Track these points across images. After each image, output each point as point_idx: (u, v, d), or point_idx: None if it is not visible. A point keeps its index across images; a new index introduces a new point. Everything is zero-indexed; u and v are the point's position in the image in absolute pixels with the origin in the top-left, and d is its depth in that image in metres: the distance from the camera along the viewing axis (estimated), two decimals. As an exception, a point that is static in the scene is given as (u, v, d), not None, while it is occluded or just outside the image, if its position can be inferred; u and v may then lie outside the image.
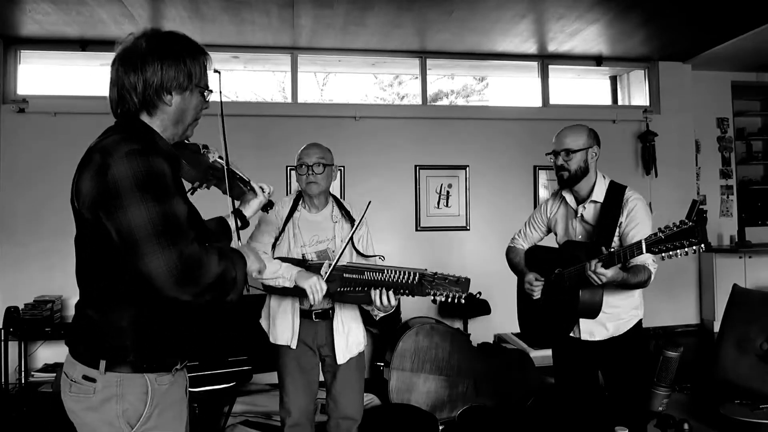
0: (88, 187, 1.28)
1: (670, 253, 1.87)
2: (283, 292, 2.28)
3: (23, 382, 4.37)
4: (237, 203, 1.78)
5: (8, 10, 4.21)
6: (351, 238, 2.31)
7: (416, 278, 2.07)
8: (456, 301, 2.02)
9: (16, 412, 3.82)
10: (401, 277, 2.10)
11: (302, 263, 2.28)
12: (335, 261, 2.18)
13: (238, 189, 1.68)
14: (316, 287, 2.12)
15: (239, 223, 1.74)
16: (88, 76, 5.31)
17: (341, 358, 2.37)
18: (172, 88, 1.39)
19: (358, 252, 2.41)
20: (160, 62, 1.36)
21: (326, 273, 2.18)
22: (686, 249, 1.83)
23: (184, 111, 1.44)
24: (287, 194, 4.97)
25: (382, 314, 2.24)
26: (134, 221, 1.22)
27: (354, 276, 2.16)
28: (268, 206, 1.82)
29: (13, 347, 4.41)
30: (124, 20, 4.36)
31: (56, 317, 4.46)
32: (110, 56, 1.44)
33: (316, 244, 2.39)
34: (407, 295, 2.12)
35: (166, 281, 1.22)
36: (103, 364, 1.34)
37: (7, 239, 4.70)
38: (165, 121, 1.42)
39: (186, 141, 1.57)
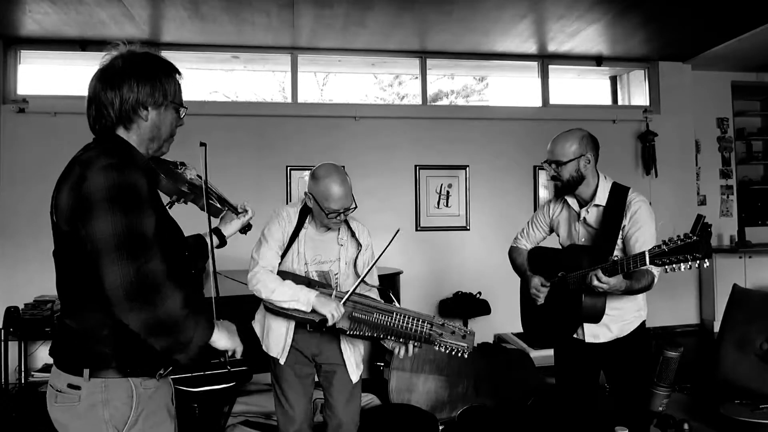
0: (66, 200, 1.32)
1: (674, 266, 1.88)
2: (282, 314, 2.21)
3: (23, 382, 4.37)
4: (217, 222, 1.82)
5: (8, 10, 4.21)
6: (363, 276, 2.26)
7: (425, 329, 2.09)
8: (460, 355, 2.08)
9: (16, 412, 3.82)
10: (410, 326, 2.10)
11: (308, 285, 2.20)
12: (346, 297, 2.14)
13: (215, 207, 1.71)
14: (337, 312, 2.09)
15: (217, 242, 1.76)
16: (88, 76, 5.28)
17: (355, 377, 2.37)
18: (148, 104, 1.43)
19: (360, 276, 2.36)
20: (137, 80, 1.42)
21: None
22: (690, 263, 1.85)
23: (159, 126, 1.48)
24: (287, 196, 5.06)
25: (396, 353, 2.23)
26: (99, 233, 1.24)
27: (363, 317, 2.14)
28: (247, 228, 1.83)
29: (13, 347, 4.41)
30: (124, 20, 4.36)
31: (56, 317, 4.46)
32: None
33: (318, 264, 2.31)
34: (414, 346, 2.16)
35: (117, 293, 1.23)
36: (86, 372, 1.35)
37: (8, 239, 4.70)
38: (141, 135, 1.46)
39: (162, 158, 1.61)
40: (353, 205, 2.24)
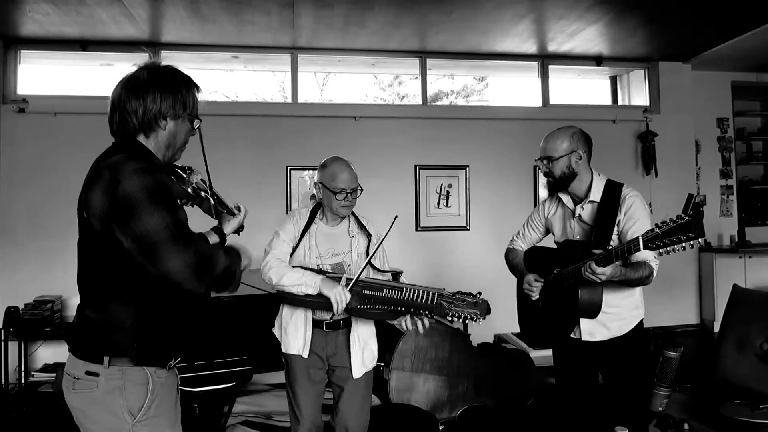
0: (99, 201, 1.40)
1: (668, 248, 1.85)
2: (298, 303, 2.28)
3: (23, 382, 4.37)
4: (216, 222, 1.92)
5: (8, 10, 4.21)
6: (369, 258, 2.31)
7: (435, 299, 2.10)
8: (474, 322, 2.08)
9: (16, 412, 3.81)
10: (420, 297, 2.12)
11: (319, 275, 2.26)
12: (356, 277, 2.18)
13: (217, 209, 1.81)
14: (340, 296, 2.14)
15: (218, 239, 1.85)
16: (88, 76, 5.30)
17: (357, 373, 2.37)
18: (168, 114, 1.55)
19: (374, 267, 2.41)
20: (160, 92, 1.53)
21: (345, 286, 2.19)
22: (684, 244, 1.82)
23: (176, 135, 1.60)
24: (287, 196, 5.06)
25: (411, 329, 2.23)
26: (151, 228, 1.36)
27: (373, 293, 2.18)
28: (240, 230, 1.91)
29: (13, 347, 4.42)
30: (124, 20, 4.36)
31: (56, 317, 4.46)
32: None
33: (332, 257, 2.39)
34: (426, 316, 2.15)
35: (186, 276, 1.38)
36: (106, 359, 1.43)
37: (7, 239, 4.70)
38: (159, 143, 1.57)
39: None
40: (359, 188, 2.41)
